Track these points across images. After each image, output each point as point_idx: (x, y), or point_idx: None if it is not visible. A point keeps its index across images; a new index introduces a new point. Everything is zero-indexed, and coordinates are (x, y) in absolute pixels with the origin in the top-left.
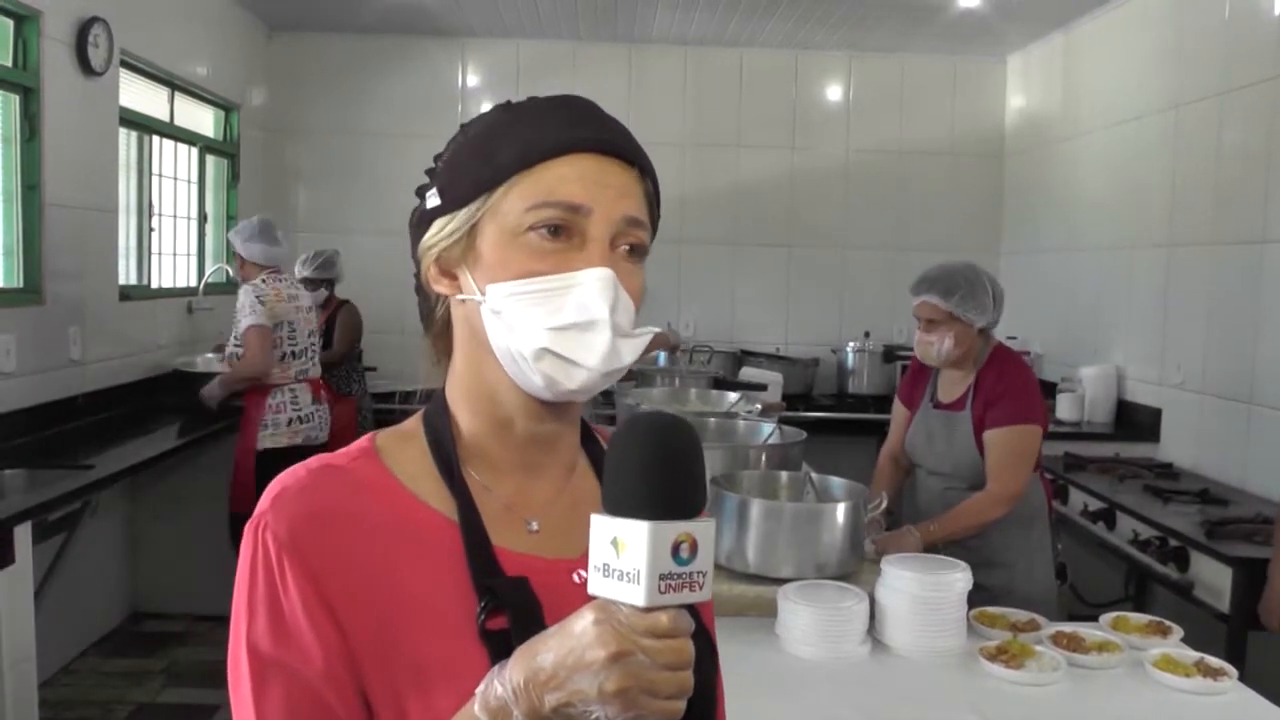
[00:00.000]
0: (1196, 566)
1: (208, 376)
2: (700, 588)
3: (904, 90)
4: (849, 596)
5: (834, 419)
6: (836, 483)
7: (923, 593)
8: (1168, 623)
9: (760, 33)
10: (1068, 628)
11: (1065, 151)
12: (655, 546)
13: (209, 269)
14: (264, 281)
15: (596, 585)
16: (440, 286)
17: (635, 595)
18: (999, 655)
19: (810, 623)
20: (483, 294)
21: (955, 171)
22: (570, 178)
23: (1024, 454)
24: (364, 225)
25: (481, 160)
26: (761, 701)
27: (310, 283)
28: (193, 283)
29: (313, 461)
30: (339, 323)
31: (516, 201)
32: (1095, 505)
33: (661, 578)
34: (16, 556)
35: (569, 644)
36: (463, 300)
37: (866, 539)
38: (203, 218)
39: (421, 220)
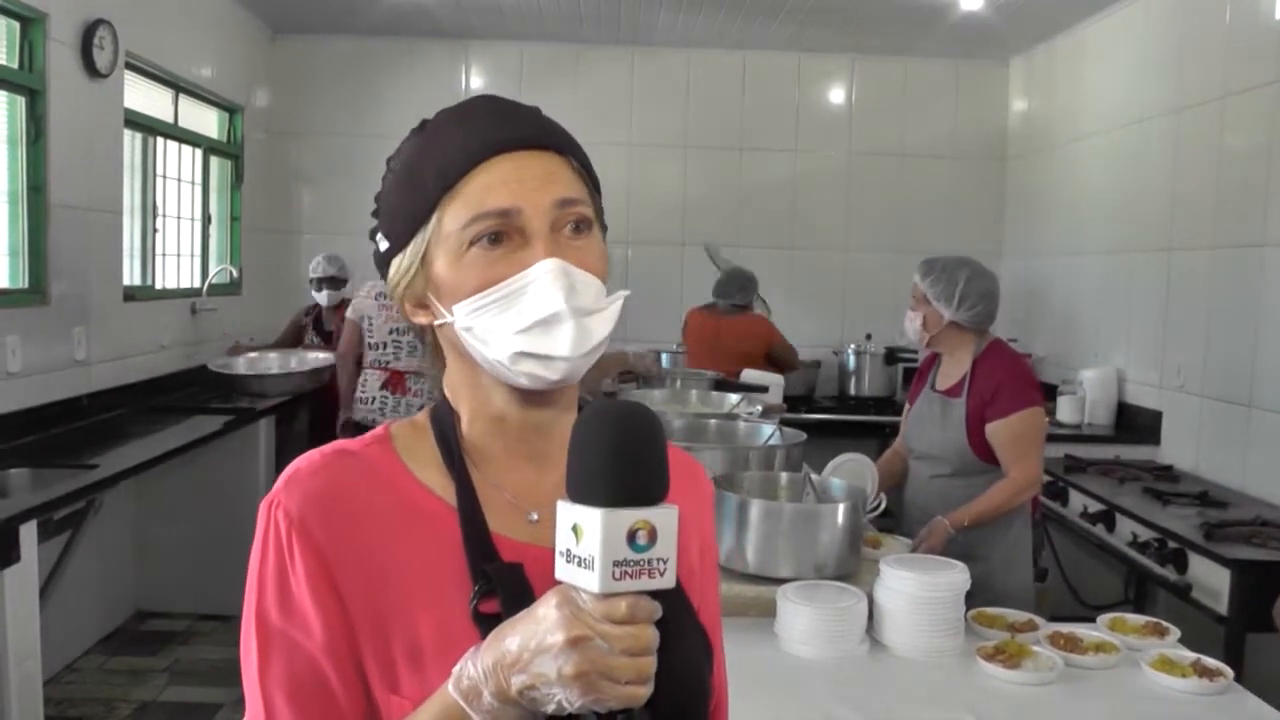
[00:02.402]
0: (1195, 568)
1: (240, 379)
2: (661, 574)
3: (906, 93)
4: (848, 596)
5: (835, 421)
6: (836, 484)
7: (921, 593)
8: (1165, 624)
9: (763, 35)
10: (1065, 628)
11: (1067, 155)
12: (609, 533)
13: (213, 270)
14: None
15: (560, 571)
16: (419, 318)
17: (590, 581)
18: (996, 655)
19: (809, 622)
20: (451, 315)
21: (957, 174)
22: (492, 184)
23: (1033, 437)
24: (367, 227)
25: (409, 193)
26: (760, 701)
27: (334, 281)
28: (196, 283)
29: (329, 446)
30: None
31: (451, 223)
32: (1095, 507)
33: (616, 564)
34: (22, 555)
35: (532, 628)
36: (439, 324)
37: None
38: (206, 219)
39: (381, 263)
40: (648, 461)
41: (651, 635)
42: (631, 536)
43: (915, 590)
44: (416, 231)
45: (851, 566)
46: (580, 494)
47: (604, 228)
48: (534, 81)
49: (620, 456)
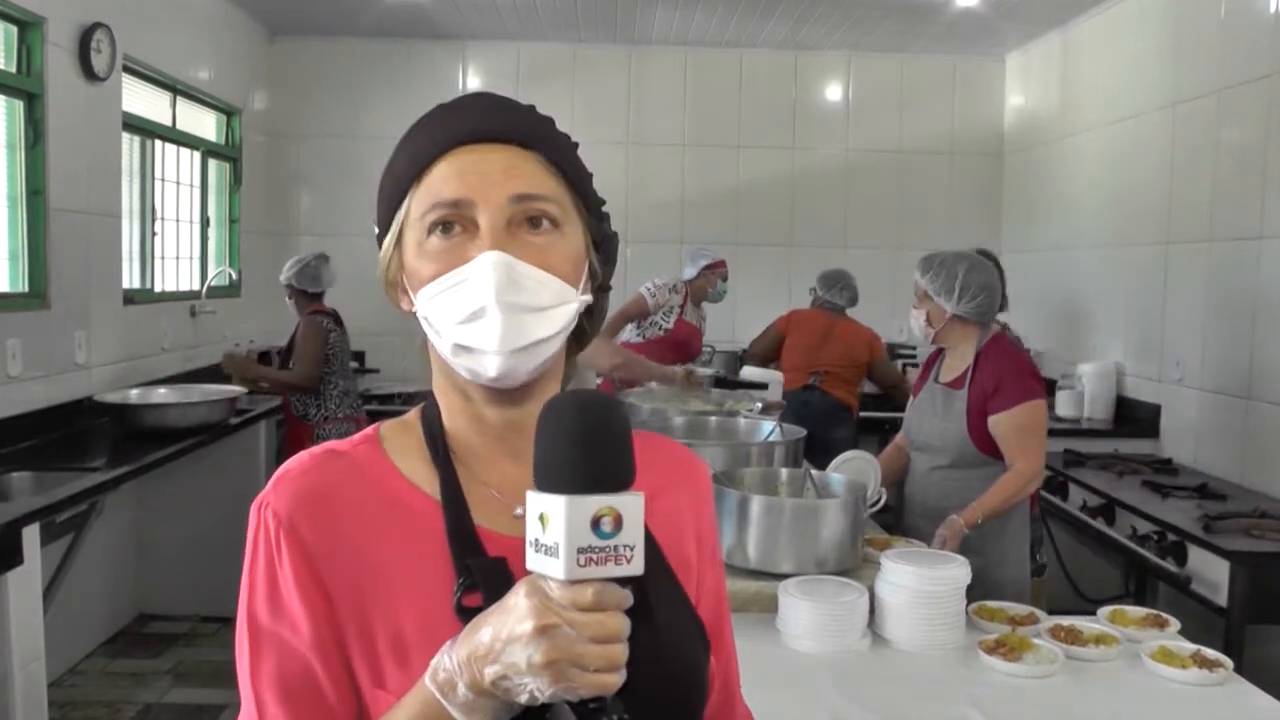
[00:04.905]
0: (1195, 561)
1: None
2: (628, 561)
3: (903, 90)
4: (849, 591)
5: None
6: (836, 479)
7: (922, 587)
8: (1165, 615)
9: (760, 33)
10: (1065, 621)
11: (1064, 150)
12: (572, 520)
13: (212, 272)
14: None
15: (530, 560)
16: (404, 304)
17: (556, 568)
18: (997, 648)
19: (810, 617)
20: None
21: (954, 170)
22: (450, 175)
23: (1034, 429)
24: (365, 229)
25: (391, 180)
26: (762, 696)
27: (289, 290)
28: (195, 286)
29: (318, 447)
30: (298, 337)
31: (415, 211)
32: (1094, 501)
33: (580, 551)
34: (25, 557)
35: (503, 618)
36: (412, 311)
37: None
38: (205, 221)
39: (378, 248)
40: (610, 448)
41: (621, 623)
42: (596, 523)
43: (916, 584)
44: (392, 218)
45: (852, 561)
46: (545, 482)
47: (599, 224)
48: (532, 82)
49: (582, 443)
